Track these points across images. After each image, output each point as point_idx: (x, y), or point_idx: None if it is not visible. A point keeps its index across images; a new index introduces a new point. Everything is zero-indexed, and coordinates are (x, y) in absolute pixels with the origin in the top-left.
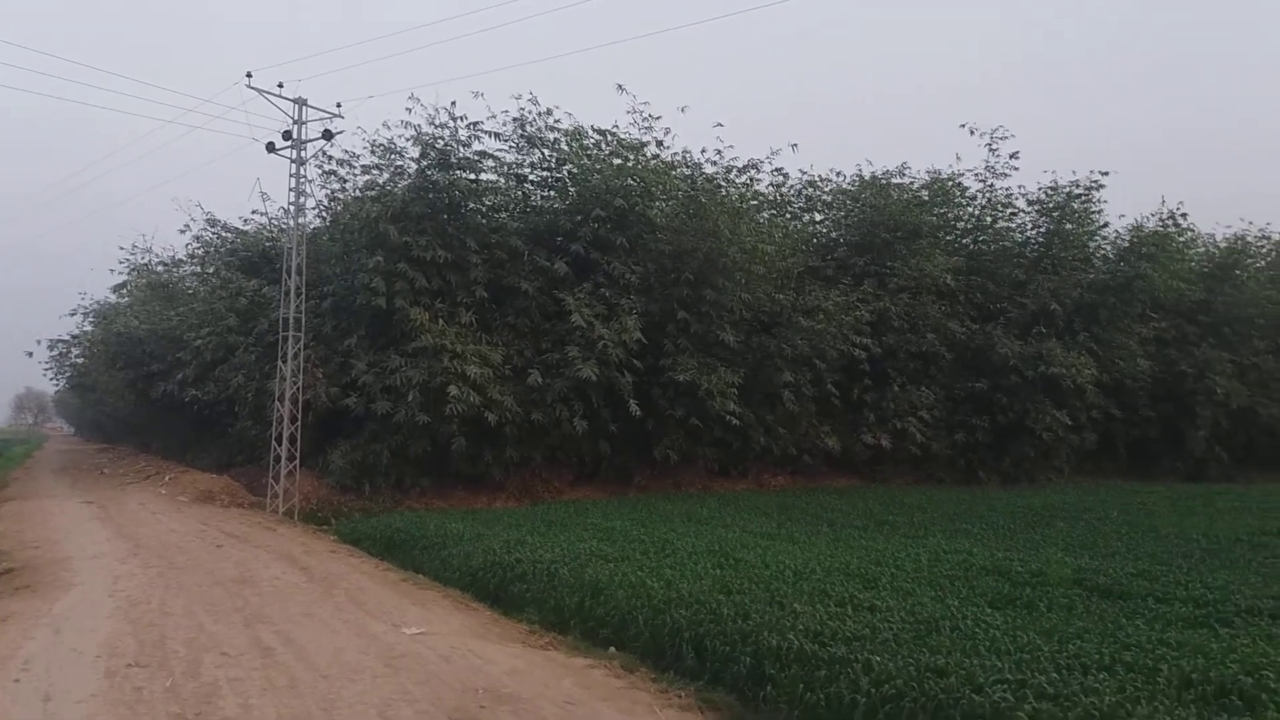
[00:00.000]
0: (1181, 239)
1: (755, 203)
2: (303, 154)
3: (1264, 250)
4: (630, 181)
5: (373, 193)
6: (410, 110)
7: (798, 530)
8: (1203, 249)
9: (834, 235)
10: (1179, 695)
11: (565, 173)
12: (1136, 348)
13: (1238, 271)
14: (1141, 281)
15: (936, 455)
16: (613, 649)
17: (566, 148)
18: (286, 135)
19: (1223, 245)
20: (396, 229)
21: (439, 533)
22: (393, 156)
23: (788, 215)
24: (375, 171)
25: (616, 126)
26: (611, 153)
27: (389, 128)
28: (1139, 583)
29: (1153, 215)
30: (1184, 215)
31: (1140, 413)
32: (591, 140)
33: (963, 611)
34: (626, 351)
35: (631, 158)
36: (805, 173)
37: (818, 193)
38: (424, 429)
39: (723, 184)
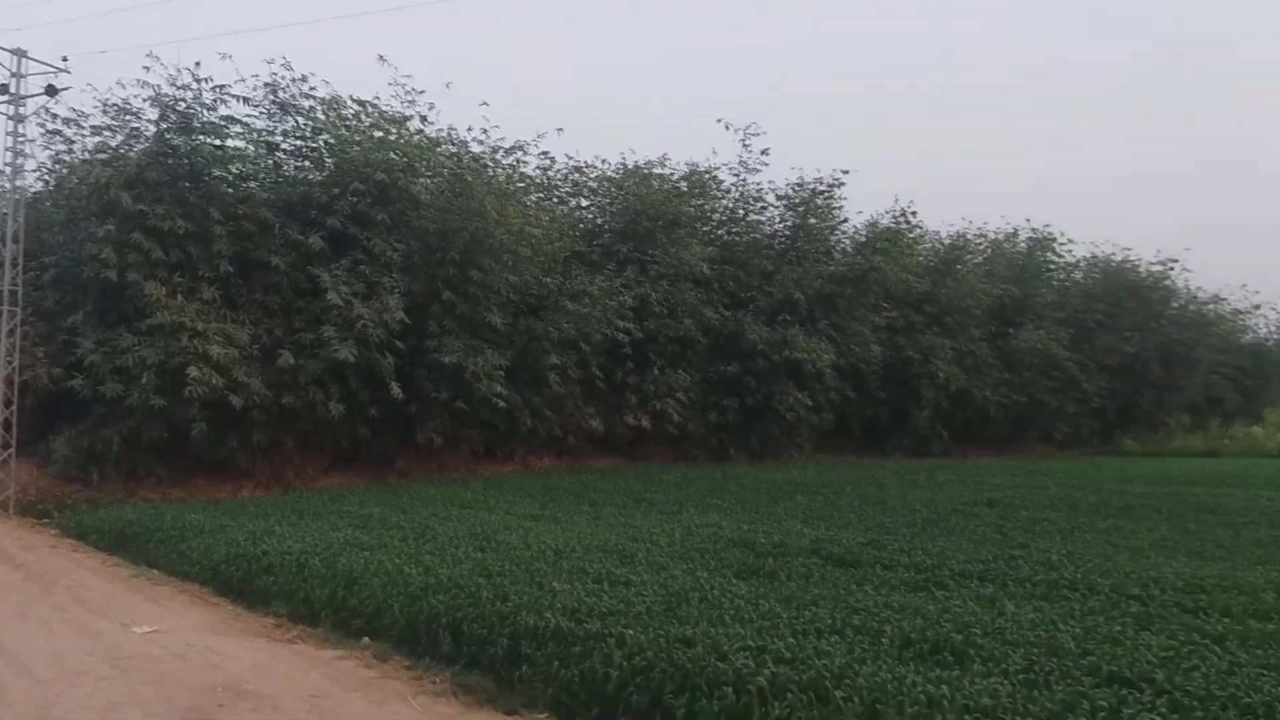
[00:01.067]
0: (911, 235)
1: (522, 185)
2: (22, 110)
3: (981, 247)
4: (392, 156)
5: (104, 156)
6: (149, 69)
7: (560, 510)
8: (929, 245)
9: (599, 221)
10: (900, 654)
11: (321, 143)
12: (870, 335)
13: (958, 266)
14: (875, 274)
15: (692, 434)
16: (366, 639)
17: (323, 117)
18: (2, 89)
19: (946, 241)
20: (130, 196)
21: (177, 524)
22: (128, 118)
23: (555, 199)
24: (107, 133)
25: (378, 98)
26: (372, 125)
27: (124, 86)
28: (868, 551)
29: (887, 213)
30: (914, 213)
31: (872, 394)
32: (351, 111)
33: (711, 583)
34: (388, 332)
35: (394, 131)
36: (571, 158)
37: (584, 178)
38: (160, 413)
39: (489, 164)
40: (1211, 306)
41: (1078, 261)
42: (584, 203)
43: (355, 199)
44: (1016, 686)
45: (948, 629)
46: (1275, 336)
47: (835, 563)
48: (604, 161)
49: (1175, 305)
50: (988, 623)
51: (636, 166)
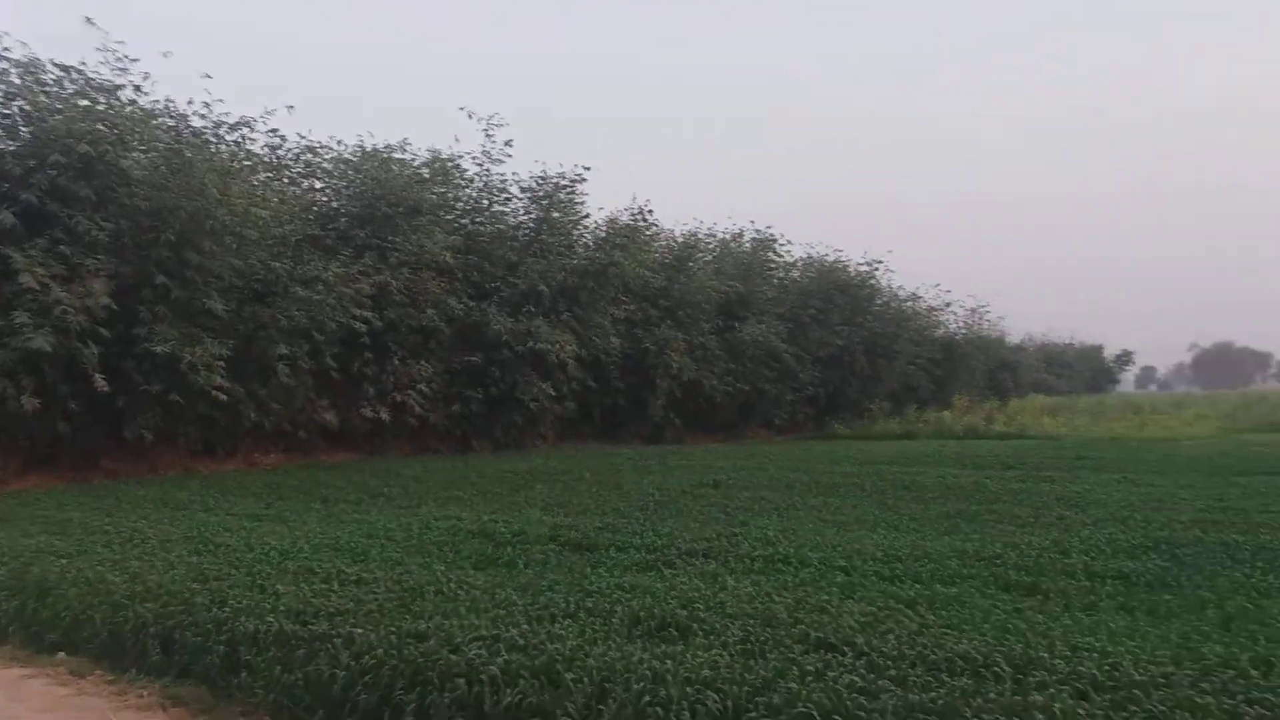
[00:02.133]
0: (648, 232)
1: (249, 163)
2: None
3: (710, 246)
4: (100, 126)
5: None
6: None
7: (288, 509)
8: (664, 242)
9: (335, 205)
10: (629, 632)
11: (16, 109)
12: (610, 327)
13: (690, 263)
14: (615, 268)
15: (434, 426)
16: (61, 654)
17: (18, 81)
18: None
19: (680, 240)
20: None
21: None
22: None
23: (285, 180)
24: None
25: (85, 64)
26: (77, 92)
27: None
28: (603, 535)
29: (625, 210)
30: (650, 211)
31: (612, 384)
32: (52, 76)
33: (448, 576)
34: (91, 319)
35: (103, 100)
36: (304, 137)
37: (318, 159)
38: None
39: (212, 140)
40: (909, 304)
41: (795, 261)
42: (318, 184)
43: (55, 172)
44: (735, 656)
45: (674, 606)
46: (962, 331)
47: (572, 548)
48: (340, 143)
49: (879, 302)
50: (710, 598)
51: (375, 149)
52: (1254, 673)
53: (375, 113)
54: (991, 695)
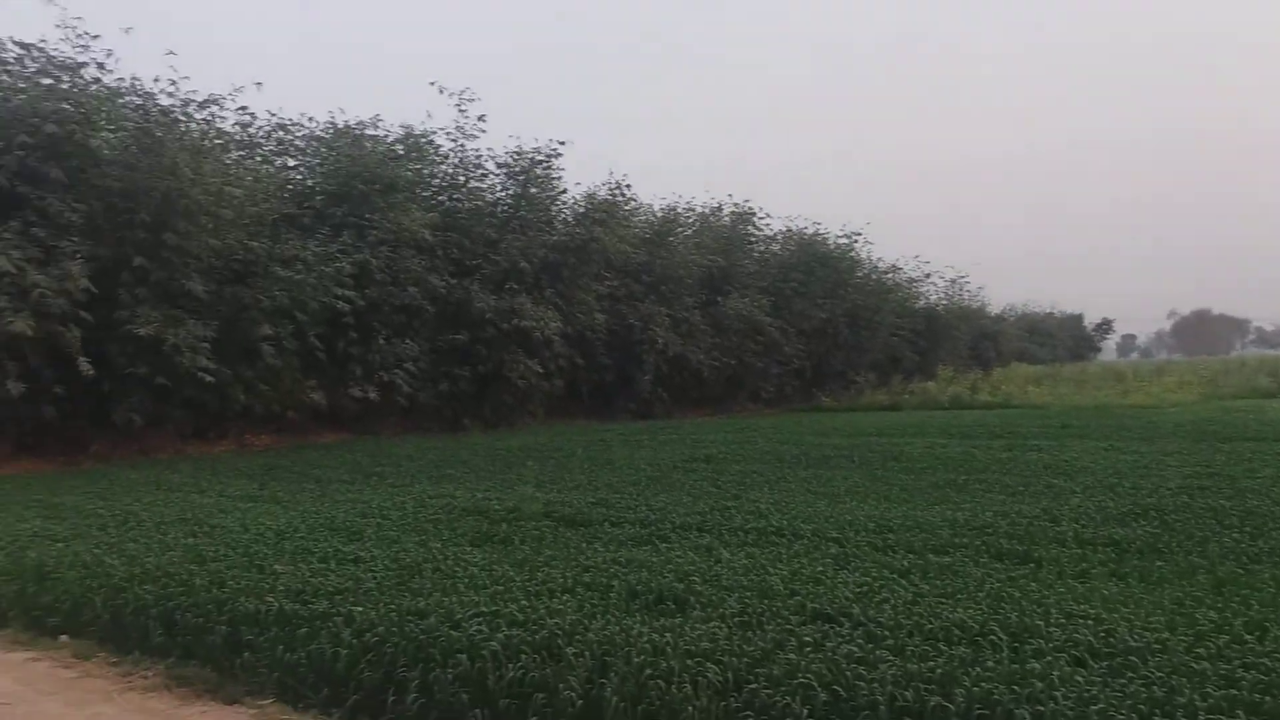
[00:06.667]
0: (627, 207)
1: (220, 142)
2: None
3: (690, 220)
4: (65, 106)
5: None
6: None
7: (282, 490)
8: (644, 217)
9: (310, 182)
10: (627, 606)
11: None
12: (594, 303)
13: (671, 238)
14: (596, 244)
15: (424, 405)
16: (64, 637)
17: None
18: None
19: (659, 214)
20: None
21: None
22: None
23: (258, 158)
24: None
25: (45, 41)
26: (39, 71)
27: None
28: (598, 510)
29: (604, 185)
30: (629, 186)
31: (599, 361)
32: (12, 54)
33: (445, 553)
34: (71, 302)
35: (66, 79)
36: (274, 114)
37: (290, 137)
38: None
39: (181, 118)
40: (890, 275)
41: (775, 235)
42: (291, 162)
43: (23, 153)
44: (733, 628)
45: (670, 579)
46: (944, 302)
47: (567, 524)
48: (311, 120)
49: (860, 275)
50: (706, 570)
51: (347, 126)
52: (1248, 638)
53: (345, 89)
54: (989, 664)
